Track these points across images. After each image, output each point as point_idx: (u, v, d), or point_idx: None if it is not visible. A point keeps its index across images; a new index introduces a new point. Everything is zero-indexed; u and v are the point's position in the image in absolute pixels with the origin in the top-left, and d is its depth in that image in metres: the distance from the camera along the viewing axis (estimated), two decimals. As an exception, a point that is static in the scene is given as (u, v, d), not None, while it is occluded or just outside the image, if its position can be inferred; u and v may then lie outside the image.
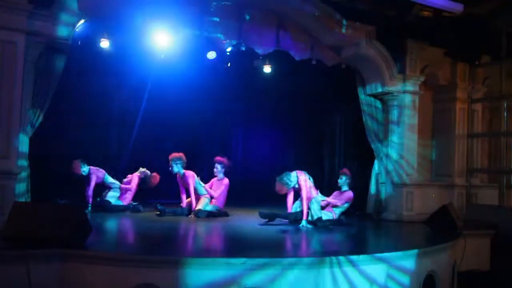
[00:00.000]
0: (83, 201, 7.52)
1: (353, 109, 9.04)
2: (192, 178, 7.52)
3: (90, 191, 7.63)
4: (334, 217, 6.99)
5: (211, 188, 7.81)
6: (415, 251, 5.15)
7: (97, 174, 7.74)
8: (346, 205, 7.20)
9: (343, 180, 7.31)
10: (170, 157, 7.56)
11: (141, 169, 8.18)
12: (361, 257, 4.68)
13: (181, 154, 7.58)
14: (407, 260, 5.01)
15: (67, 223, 4.29)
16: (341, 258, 4.53)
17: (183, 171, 7.56)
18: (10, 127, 5.69)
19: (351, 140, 9.79)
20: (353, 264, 4.57)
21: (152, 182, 8.13)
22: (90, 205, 7.52)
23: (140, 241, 5.57)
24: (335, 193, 7.36)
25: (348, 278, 4.51)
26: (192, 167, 7.91)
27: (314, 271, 4.37)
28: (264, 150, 10.67)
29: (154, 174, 8.18)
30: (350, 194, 7.23)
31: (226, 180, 7.85)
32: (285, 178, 6.79)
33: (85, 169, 7.67)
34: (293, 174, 6.89)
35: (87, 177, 7.68)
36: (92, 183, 7.64)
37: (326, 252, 5.12)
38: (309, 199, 6.80)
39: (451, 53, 8.81)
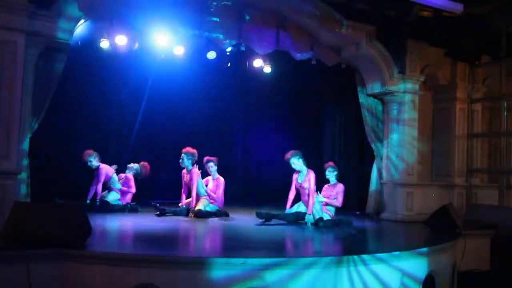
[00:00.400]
0: (83, 200, 7.52)
1: (353, 109, 9.05)
2: (197, 176, 7.47)
3: (99, 186, 7.63)
4: (332, 217, 7.01)
5: (206, 186, 7.83)
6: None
7: (107, 171, 7.74)
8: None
9: (331, 173, 7.31)
10: (184, 150, 7.50)
11: (129, 166, 8.13)
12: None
13: (195, 151, 7.56)
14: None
15: (67, 223, 4.29)
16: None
17: (191, 167, 7.54)
18: (10, 127, 5.69)
19: (351, 140, 9.79)
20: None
21: (145, 172, 8.13)
22: (97, 200, 7.52)
23: (140, 241, 5.57)
24: (325, 187, 7.32)
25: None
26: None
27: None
28: (264, 150, 10.67)
29: (142, 163, 8.16)
30: (341, 187, 7.22)
31: (221, 179, 7.86)
32: (298, 156, 6.93)
33: (94, 162, 7.66)
34: (305, 168, 6.97)
35: (96, 172, 7.68)
36: (101, 179, 7.64)
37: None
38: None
39: (451, 53, 8.81)
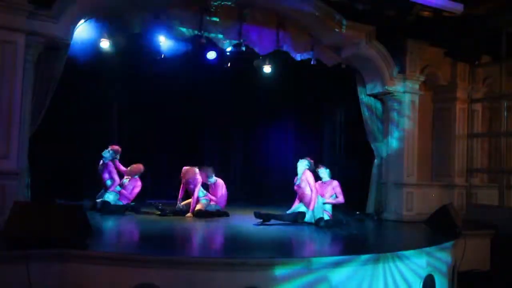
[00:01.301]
0: (82, 200, 7.51)
1: (353, 109, 9.05)
2: (199, 183, 7.62)
3: (116, 178, 7.66)
4: (330, 216, 7.02)
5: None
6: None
7: (110, 171, 7.73)
8: (334, 196, 7.22)
9: (323, 170, 7.34)
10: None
11: (131, 170, 7.95)
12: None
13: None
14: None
15: (67, 223, 4.29)
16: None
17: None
18: (10, 127, 5.67)
19: (351, 140, 9.79)
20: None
21: (139, 171, 7.98)
22: (97, 201, 7.52)
23: (140, 241, 5.57)
24: (318, 183, 7.28)
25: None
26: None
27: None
28: (264, 150, 10.68)
29: (134, 167, 7.94)
30: (337, 183, 7.24)
31: (219, 181, 7.88)
32: (306, 163, 7.13)
33: (107, 157, 7.65)
34: (303, 171, 7.06)
35: (104, 169, 7.67)
36: (113, 172, 7.65)
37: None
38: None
39: (451, 53, 8.81)
